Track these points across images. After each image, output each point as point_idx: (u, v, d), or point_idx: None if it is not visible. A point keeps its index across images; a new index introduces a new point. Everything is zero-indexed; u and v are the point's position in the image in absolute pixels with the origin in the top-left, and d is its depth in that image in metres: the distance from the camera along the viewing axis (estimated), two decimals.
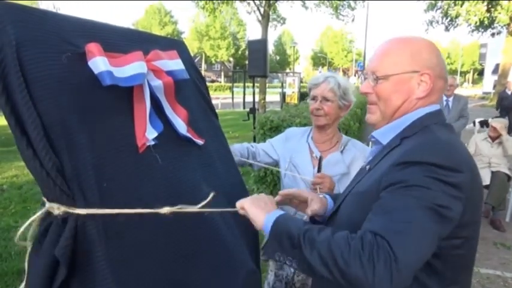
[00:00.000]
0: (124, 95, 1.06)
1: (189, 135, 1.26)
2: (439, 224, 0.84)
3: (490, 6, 19.80)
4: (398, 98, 1.06)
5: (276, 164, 2.01)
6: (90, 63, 0.96)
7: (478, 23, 21.54)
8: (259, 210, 1.05)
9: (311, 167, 1.85)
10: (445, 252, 0.92)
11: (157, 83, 1.16)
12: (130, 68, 1.04)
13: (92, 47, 0.97)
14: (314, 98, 1.83)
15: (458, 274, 0.98)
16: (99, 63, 0.96)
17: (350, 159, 1.84)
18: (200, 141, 1.31)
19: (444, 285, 0.95)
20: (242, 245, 1.36)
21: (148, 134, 1.07)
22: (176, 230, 1.09)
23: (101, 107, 0.99)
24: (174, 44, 1.43)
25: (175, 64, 1.27)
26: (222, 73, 64.80)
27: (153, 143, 1.09)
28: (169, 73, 1.22)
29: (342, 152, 1.86)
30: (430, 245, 0.84)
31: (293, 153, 1.92)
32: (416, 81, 1.04)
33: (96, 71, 0.95)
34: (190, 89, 1.43)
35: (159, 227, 1.03)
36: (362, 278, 0.78)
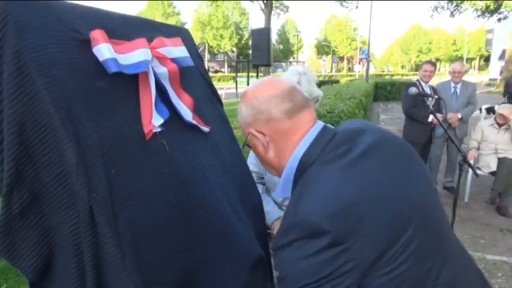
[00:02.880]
0: (129, 82, 1.05)
1: (194, 122, 1.26)
2: None
3: None
4: (260, 157, 1.06)
5: None
6: (95, 50, 0.96)
7: (484, 8, 21.21)
8: None
9: None
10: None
11: (162, 70, 1.15)
12: (134, 55, 1.04)
13: (97, 34, 0.96)
14: None
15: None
16: (103, 50, 0.96)
17: None
18: (206, 129, 1.31)
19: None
20: (250, 232, 1.37)
21: (155, 120, 1.07)
22: (186, 216, 1.10)
23: (107, 94, 0.99)
24: (178, 31, 1.43)
25: (179, 51, 1.27)
26: (226, 63, 64.56)
27: (159, 129, 1.09)
28: (174, 60, 1.22)
29: None
30: None
31: None
32: (256, 140, 1.02)
33: (101, 59, 0.95)
34: (195, 76, 1.42)
35: (169, 213, 1.04)
36: None
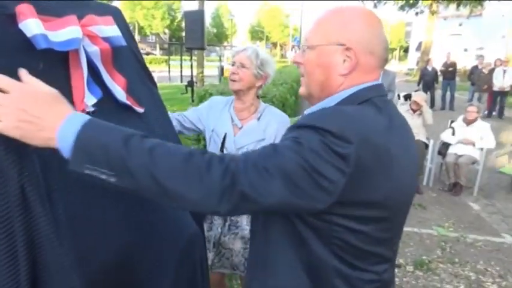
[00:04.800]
0: (59, 61, 1.03)
1: (128, 103, 1.26)
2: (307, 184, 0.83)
3: None
4: (321, 73, 1.00)
5: (201, 132, 2.18)
6: (21, 26, 0.92)
7: (404, 2, 23.02)
8: (45, 109, 0.83)
9: (232, 135, 2.02)
10: (330, 229, 0.90)
11: (93, 49, 1.13)
12: (65, 32, 1.01)
13: (23, 8, 0.92)
14: (233, 64, 2.03)
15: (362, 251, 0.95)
16: (31, 25, 0.92)
17: (265, 125, 2.03)
18: (140, 109, 1.32)
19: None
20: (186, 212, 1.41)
21: (87, 100, 1.06)
22: (119, 196, 1.11)
23: (36, 72, 0.95)
24: (109, 10, 1.39)
25: (111, 30, 1.24)
26: (157, 45, 62.16)
27: (92, 109, 1.08)
28: (106, 39, 1.20)
29: (258, 119, 2.05)
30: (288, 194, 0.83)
31: (216, 122, 2.08)
32: (341, 55, 0.96)
33: (28, 34, 0.92)
34: (128, 57, 1.41)
35: (102, 192, 1.04)
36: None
